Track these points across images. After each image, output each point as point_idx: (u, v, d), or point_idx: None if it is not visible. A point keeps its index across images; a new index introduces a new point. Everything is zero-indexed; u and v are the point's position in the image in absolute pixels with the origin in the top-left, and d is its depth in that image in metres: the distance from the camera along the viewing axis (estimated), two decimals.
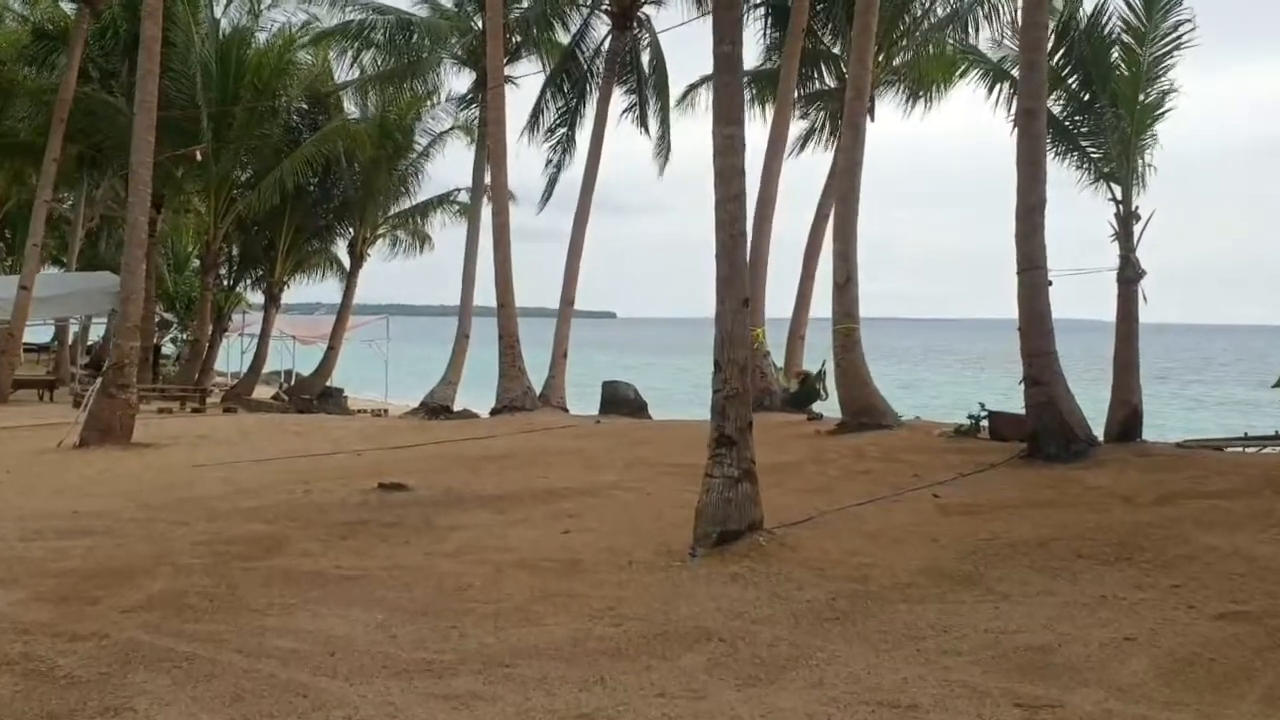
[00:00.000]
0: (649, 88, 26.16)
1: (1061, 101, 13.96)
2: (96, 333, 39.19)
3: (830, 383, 16.90)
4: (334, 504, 10.35)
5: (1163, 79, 13.13)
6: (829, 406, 17.64)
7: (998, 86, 14.93)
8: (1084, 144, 13.74)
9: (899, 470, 11.83)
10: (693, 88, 24.96)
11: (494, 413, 21.92)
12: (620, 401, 21.23)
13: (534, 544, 8.34)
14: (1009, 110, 14.09)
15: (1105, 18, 13.39)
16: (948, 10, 20.75)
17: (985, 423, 14.01)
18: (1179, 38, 13.20)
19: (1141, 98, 12.98)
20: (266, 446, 16.12)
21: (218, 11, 29.76)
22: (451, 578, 7.24)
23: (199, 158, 21.64)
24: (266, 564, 7.80)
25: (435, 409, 23.98)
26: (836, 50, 23.30)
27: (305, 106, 31.16)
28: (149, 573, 7.49)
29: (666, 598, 6.63)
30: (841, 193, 15.46)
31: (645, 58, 26.21)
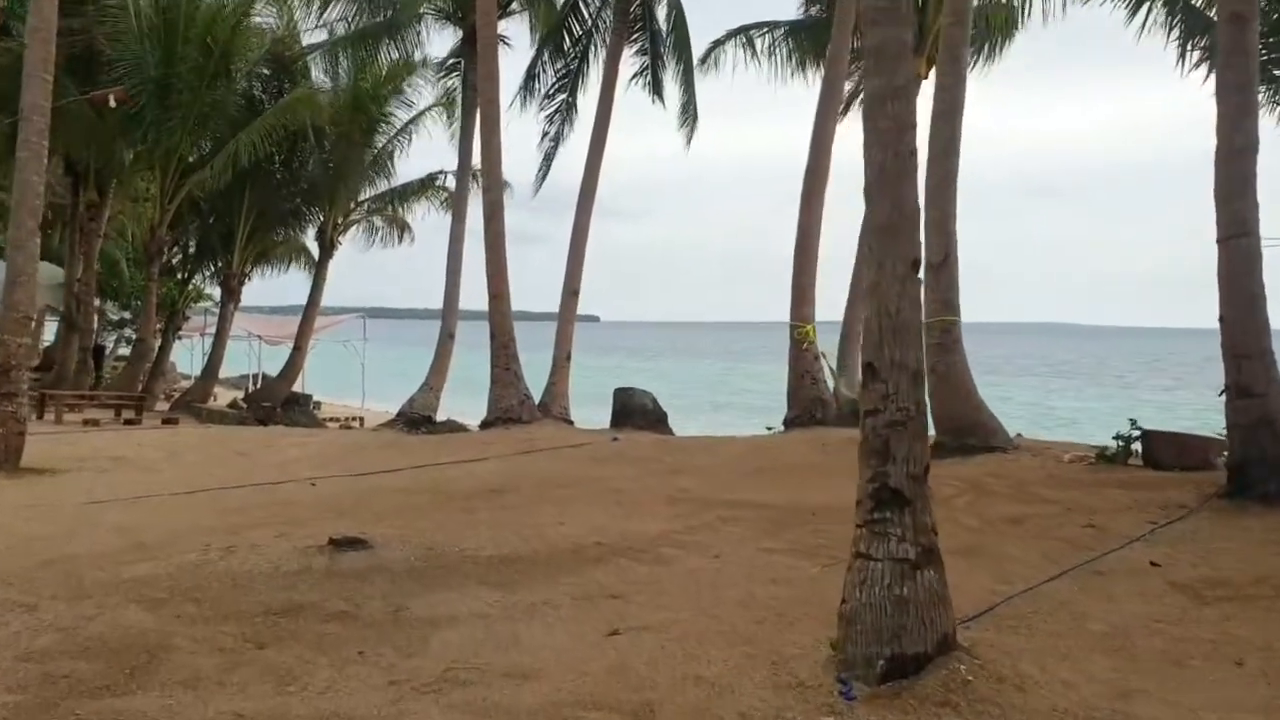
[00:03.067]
0: (665, 45, 22.99)
1: None
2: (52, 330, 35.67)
3: None
4: (261, 573, 7.22)
5: None
6: None
7: (1145, 6, 11.87)
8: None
9: (1055, 516, 8.79)
10: (718, 44, 21.78)
11: (485, 425, 18.87)
12: (636, 411, 18.12)
13: (568, 661, 5.25)
14: (1167, 33, 11.10)
15: None
16: None
17: (1137, 445, 10.98)
18: None
19: None
20: (197, 473, 12.97)
21: None
22: None
23: (113, 103, 18.28)
24: (120, 705, 4.72)
25: (415, 420, 20.82)
26: None
27: (267, 73, 27.94)
28: None
29: None
30: (938, 145, 12.40)
31: (661, 11, 23.07)
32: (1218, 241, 8.86)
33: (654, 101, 23.76)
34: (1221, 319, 8.89)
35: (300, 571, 7.22)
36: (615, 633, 5.72)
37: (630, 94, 23.94)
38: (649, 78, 23.67)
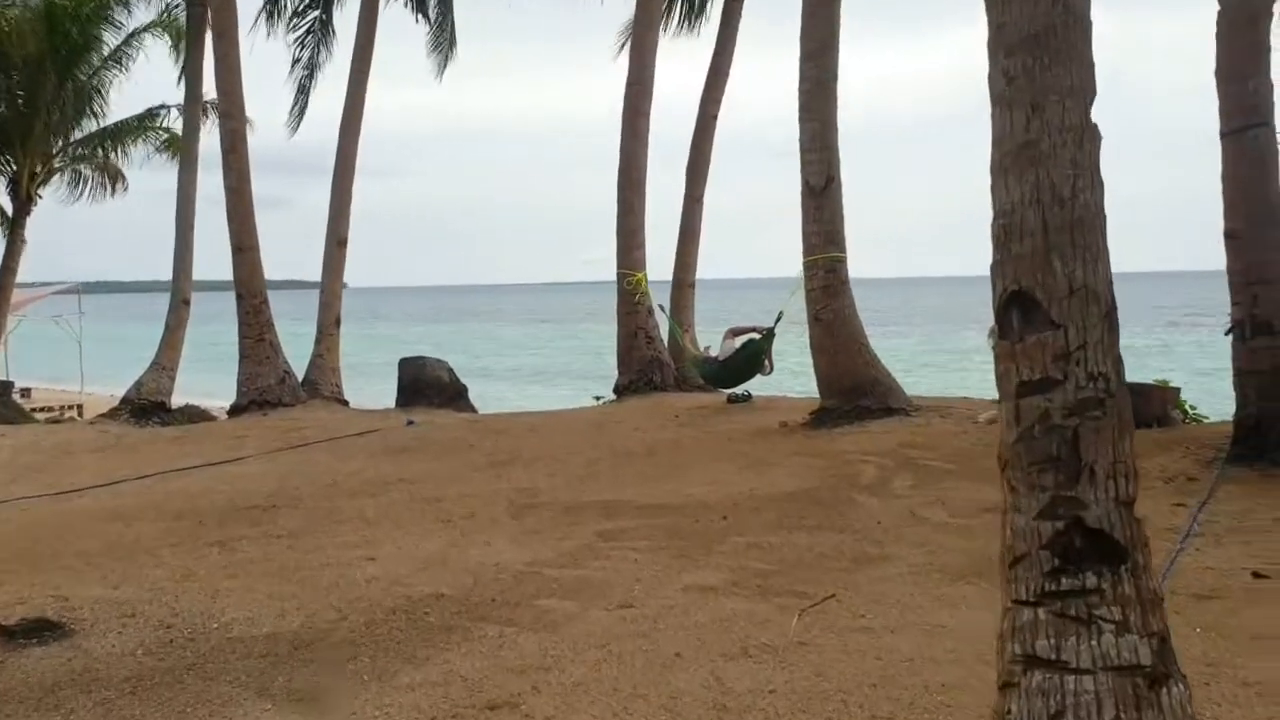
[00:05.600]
0: None
1: None
2: None
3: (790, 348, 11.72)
4: None
5: None
6: (765, 384, 12.53)
7: None
8: None
9: None
10: None
11: (236, 410, 15.66)
12: (429, 386, 15.32)
13: None
14: None
15: None
16: None
17: None
18: None
19: None
20: None
21: None
22: None
23: None
24: None
25: (144, 408, 17.23)
26: None
27: None
28: None
29: None
30: (813, 41, 10.24)
31: None
32: (1222, 136, 7.11)
33: (418, 20, 20.77)
34: (1228, 235, 7.16)
35: None
36: None
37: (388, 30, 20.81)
38: None
